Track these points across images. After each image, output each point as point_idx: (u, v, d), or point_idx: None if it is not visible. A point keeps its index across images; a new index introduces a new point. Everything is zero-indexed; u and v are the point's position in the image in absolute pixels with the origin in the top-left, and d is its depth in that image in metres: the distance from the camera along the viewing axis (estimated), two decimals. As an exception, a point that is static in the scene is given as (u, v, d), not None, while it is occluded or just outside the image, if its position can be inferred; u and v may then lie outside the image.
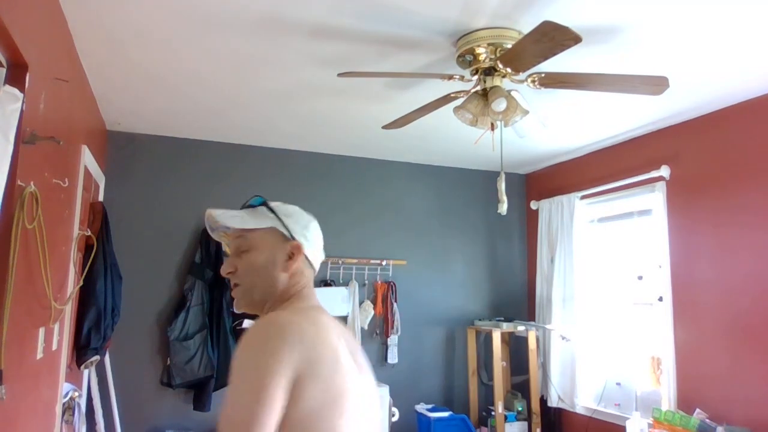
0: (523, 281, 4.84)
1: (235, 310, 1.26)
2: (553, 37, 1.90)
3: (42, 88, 1.85)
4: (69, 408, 2.66)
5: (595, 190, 4.04)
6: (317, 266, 1.31)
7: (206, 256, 3.80)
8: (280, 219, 1.23)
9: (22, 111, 1.56)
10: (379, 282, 4.31)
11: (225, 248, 3.87)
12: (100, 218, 3.17)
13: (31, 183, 1.75)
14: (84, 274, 2.77)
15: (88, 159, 2.85)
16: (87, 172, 2.89)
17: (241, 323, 3.75)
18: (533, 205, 4.66)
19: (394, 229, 4.47)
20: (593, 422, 3.92)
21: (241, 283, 1.21)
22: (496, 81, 2.38)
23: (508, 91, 2.36)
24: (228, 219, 1.22)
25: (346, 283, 4.22)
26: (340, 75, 2.45)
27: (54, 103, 2.06)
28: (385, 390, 3.78)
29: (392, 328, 4.25)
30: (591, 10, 2.13)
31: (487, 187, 4.70)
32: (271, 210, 1.24)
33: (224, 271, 1.22)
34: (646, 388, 3.69)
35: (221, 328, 3.72)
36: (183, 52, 2.55)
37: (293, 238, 1.22)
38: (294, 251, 1.22)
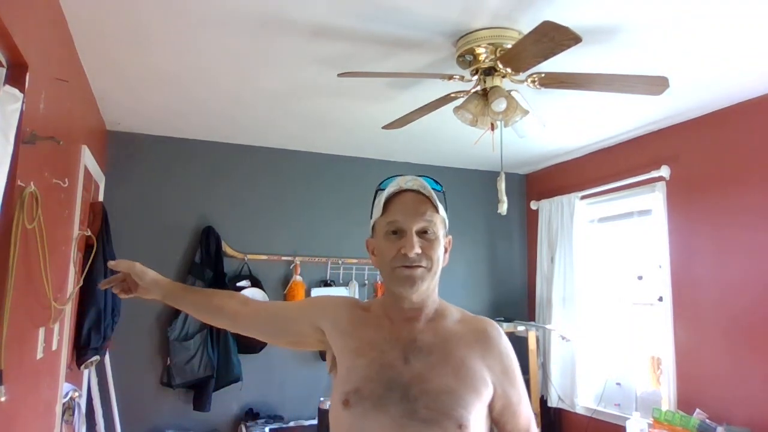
0: (523, 281, 4.84)
1: (411, 293, 1.18)
2: (553, 37, 1.90)
3: (42, 88, 1.85)
4: (69, 408, 2.65)
5: (595, 190, 4.04)
6: None
7: (206, 256, 3.80)
8: (446, 210, 1.24)
9: (22, 111, 1.57)
10: (379, 282, 4.30)
11: (225, 248, 3.87)
12: (100, 218, 3.17)
13: (31, 183, 1.75)
14: (84, 274, 2.77)
15: (88, 159, 2.85)
16: (87, 172, 2.89)
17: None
18: (533, 205, 4.65)
19: (394, 229, 4.45)
20: (593, 422, 3.92)
21: (428, 267, 1.18)
22: (496, 81, 2.38)
23: (508, 91, 2.36)
24: (436, 199, 1.21)
25: (346, 283, 4.22)
26: (340, 75, 2.45)
27: (54, 103, 2.05)
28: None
29: (392, 328, 4.25)
30: (591, 10, 2.13)
31: (487, 187, 4.69)
32: (445, 199, 1.24)
33: (414, 251, 1.15)
34: (646, 388, 3.69)
35: (221, 328, 3.72)
36: (183, 52, 2.55)
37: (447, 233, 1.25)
38: (448, 246, 1.25)
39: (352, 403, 1.14)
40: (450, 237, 1.26)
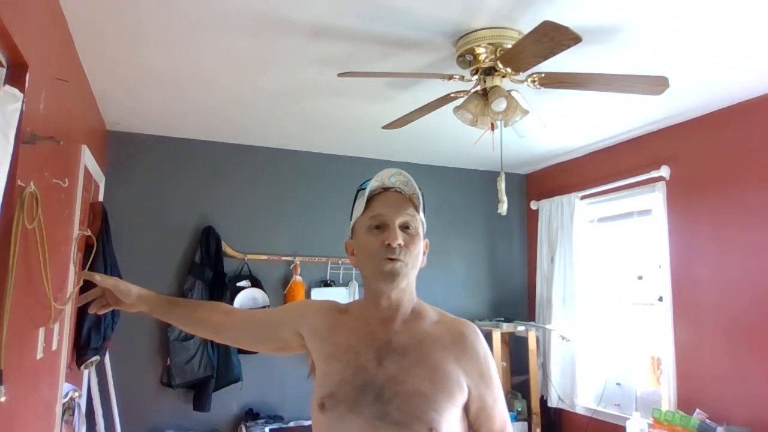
0: (523, 281, 4.84)
1: (391, 289, 1.20)
2: (553, 37, 1.90)
3: (42, 88, 1.85)
4: (69, 408, 2.65)
5: (595, 190, 4.04)
6: None
7: (206, 256, 3.80)
8: (424, 212, 1.27)
9: (22, 111, 1.56)
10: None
11: (225, 248, 3.87)
12: (100, 218, 3.17)
13: (31, 183, 1.75)
14: (84, 274, 2.77)
15: (88, 159, 2.85)
16: (87, 172, 2.89)
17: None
18: (533, 205, 4.66)
19: (394, 229, 4.45)
20: (593, 422, 3.92)
21: (407, 262, 1.20)
22: (496, 81, 2.38)
23: (508, 91, 2.36)
24: (419, 194, 1.23)
25: (346, 284, 4.22)
26: (340, 75, 2.45)
27: (54, 103, 2.05)
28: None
29: (392, 328, 4.24)
30: (591, 10, 2.13)
31: (487, 187, 4.69)
32: (423, 201, 1.26)
33: (397, 241, 1.18)
34: (646, 388, 3.69)
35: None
36: (183, 52, 2.55)
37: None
38: (425, 249, 1.27)
39: (328, 406, 1.15)
40: (427, 240, 1.27)
